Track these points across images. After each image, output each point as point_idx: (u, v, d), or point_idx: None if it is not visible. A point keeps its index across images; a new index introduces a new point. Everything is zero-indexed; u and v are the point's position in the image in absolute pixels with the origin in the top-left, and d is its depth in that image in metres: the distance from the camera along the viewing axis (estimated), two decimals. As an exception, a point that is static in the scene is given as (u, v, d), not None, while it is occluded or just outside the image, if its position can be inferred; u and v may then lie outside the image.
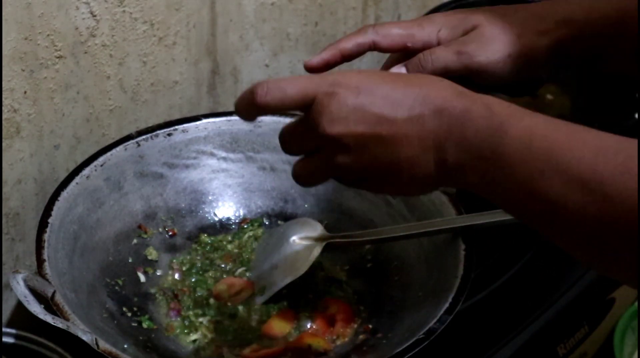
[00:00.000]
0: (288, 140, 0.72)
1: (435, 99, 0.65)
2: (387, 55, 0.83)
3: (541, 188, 0.59)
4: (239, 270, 0.93)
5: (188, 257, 0.94)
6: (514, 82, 0.80)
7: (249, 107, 0.70)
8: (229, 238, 0.96)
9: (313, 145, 0.69)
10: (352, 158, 0.67)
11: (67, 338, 0.76)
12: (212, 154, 0.97)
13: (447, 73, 0.76)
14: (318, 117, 0.67)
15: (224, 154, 0.97)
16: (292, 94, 0.68)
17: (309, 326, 0.87)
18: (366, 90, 0.66)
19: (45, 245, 0.81)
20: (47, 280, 0.77)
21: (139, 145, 0.93)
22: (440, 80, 0.68)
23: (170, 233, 0.94)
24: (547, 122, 0.62)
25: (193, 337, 0.86)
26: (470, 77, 0.77)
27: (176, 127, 0.95)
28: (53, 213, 0.84)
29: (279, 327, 0.86)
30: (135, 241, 0.92)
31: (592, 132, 0.60)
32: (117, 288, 0.87)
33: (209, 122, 0.96)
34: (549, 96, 1.15)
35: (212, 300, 0.89)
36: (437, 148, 0.65)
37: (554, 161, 0.59)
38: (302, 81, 0.69)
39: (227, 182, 0.98)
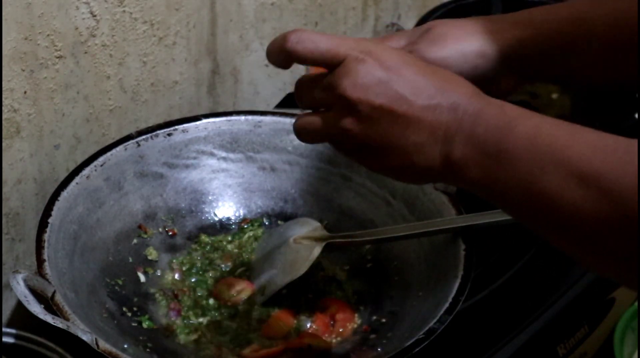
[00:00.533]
0: (304, 90, 0.71)
1: (455, 94, 0.66)
2: None
3: (540, 184, 0.59)
4: (239, 270, 0.93)
5: (188, 257, 0.94)
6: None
7: (279, 51, 0.70)
8: (229, 238, 0.96)
9: (327, 102, 0.69)
10: (361, 126, 0.67)
11: (67, 338, 0.76)
12: (212, 154, 0.97)
13: None
14: (342, 78, 0.67)
15: (224, 154, 0.97)
16: (323, 48, 0.68)
17: (308, 326, 0.87)
18: (395, 67, 0.67)
19: (45, 245, 0.81)
20: (47, 280, 0.77)
21: (139, 145, 0.93)
22: (462, 79, 0.69)
23: (170, 233, 0.94)
24: (553, 122, 0.62)
25: (193, 337, 0.86)
26: None
27: (176, 127, 0.95)
28: (53, 213, 0.84)
29: (279, 326, 0.86)
30: (135, 241, 0.92)
31: (594, 132, 0.60)
32: (117, 288, 0.87)
33: (209, 122, 0.96)
34: (554, 95, 1.15)
35: (212, 300, 0.89)
36: (445, 140, 0.65)
37: (554, 157, 0.59)
38: (336, 39, 0.69)
39: (227, 182, 0.98)
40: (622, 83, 0.80)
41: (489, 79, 0.80)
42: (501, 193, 0.63)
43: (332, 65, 0.68)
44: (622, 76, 0.79)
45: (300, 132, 0.72)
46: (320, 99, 0.70)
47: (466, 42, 0.79)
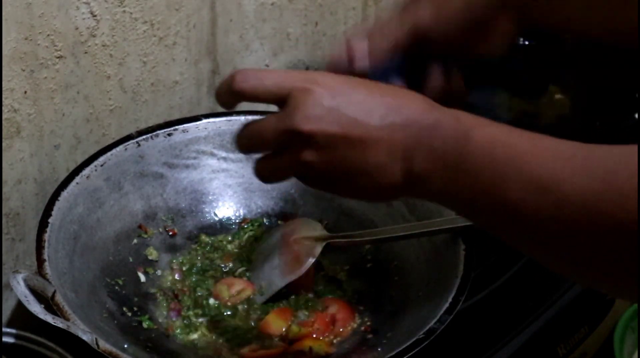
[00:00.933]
0: (251, 134, 0.70)
1: (408, 110, 0.66)
2: None
3: (502, 192, 0.60)
4: (239, 270, 0.93)
5: (188, 257, 0.94)
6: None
7: (227, 92, 0.70)
8: (229, 238, 0.96)
9: (280, 141, 0.68)
10: (320, 157, 0.67)
11: (67, 338, 0.76)
12: (212, 154, 0.97)
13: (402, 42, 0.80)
14: (292, 112, 0.67)
15: (224, 154, 0.97)
16: (268, 84, 0.68)
17: (303, 318, 0.87)
18: (343, 93, 0.67)
19: (46, 244, 0.81)
20: (47, 279, 0.77)
21: (139, 145, 0.93)
22: (414, 94, 0.69)
23: (171, 233, 0.95)
24: (510, 130, 0.63)
25: (192, 336, 0.86)
26: (425, 39, 0.80)
27: (176, 127, 0.95)
28: (53, 213, 0.84)
29: (276, 323, 0.86)
30: (135, 241, 0.92)
31: (552, 139, 0.60)
32: (117, 288, 0.87)
33: (209, 122, 0.96)
34: (558, 96, 1.15)
35: (212, 300, 0.89)
36: (404, 158, 0.65)
37: (515, 165, 0.59)
38: (281, 74, 0.69)
39: (227, 182, 0.98)
40: (616, 36, 0.79)
41: (481, 30, 0.80)
42: (465, 204, 0.64)
43: (279, 99, 0.68)
44: (614, 26, 0.78)
45: (263, 176, 0.72)
46: (272, 139, 0.69)
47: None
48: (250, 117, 0.97)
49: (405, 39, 0.80)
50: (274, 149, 0.70)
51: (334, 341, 0.85)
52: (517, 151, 0.60)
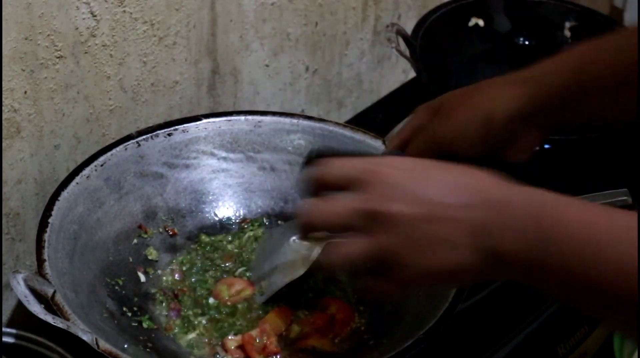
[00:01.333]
0: (322, 212, 0.68)
1: (481, 189, 0.64)
2: None
3: (591, 274, 0.58)
4: (239, 270, 0.93)
5: (188, 257, 0.94)
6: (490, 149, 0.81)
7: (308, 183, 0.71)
8: (229, 238, 0.96)
9: (353, 221, 0.66)
10: (398, 237, 0.65)
11: (67, 338, 0.76)
12: (212, 154, 0.97)
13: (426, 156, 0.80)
14: (369, 194, 0.65)
15: (224, 154, 0.97)
16: (335, 171, 0.68)
17: (303, 318, 0.87)
18: (411, 173, 0.66)
19: (46, 244, 0.81)
20: (47, 279, 0.77)
21: (139, 145, 0.93)
22: (481, 171, 0.67)
23: (171, 233, 0.95)
24: (586, 205, 0.62)
25: (193, 336, 0.86)
26: (448, 151, 0.81)
27: (176, 127, 0.95)
28: (53, 213, 0.84)
29: (275, 323, 0.86)
30: (135, 241, 0.92)
31: (627, 215, 0.59)
32: (117, 288, 0.87)
33: (209, 122, 0.96)
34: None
35: (212, 300, 0.89)
36: (481, 236, 0.63)
37: (600, 246, 0.58)
38: (343, 160, 0.69)
39: (227, 182, 0.98)
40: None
41: (505, 141, 0.81)
42: (550, 279, 0.61)
43: (346, 184, 0.67)
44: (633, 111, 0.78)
45: (337, 262, 0.69)
46: (347, 217, 0.66)
47: (471, 113, 0.80)
48: (250, 118, 0.97)
49: (428, 155, 0.81)
50: (343, 230, 0.67)
51: (334, 341, 0.85)
52: (601, 233, 0.59)
